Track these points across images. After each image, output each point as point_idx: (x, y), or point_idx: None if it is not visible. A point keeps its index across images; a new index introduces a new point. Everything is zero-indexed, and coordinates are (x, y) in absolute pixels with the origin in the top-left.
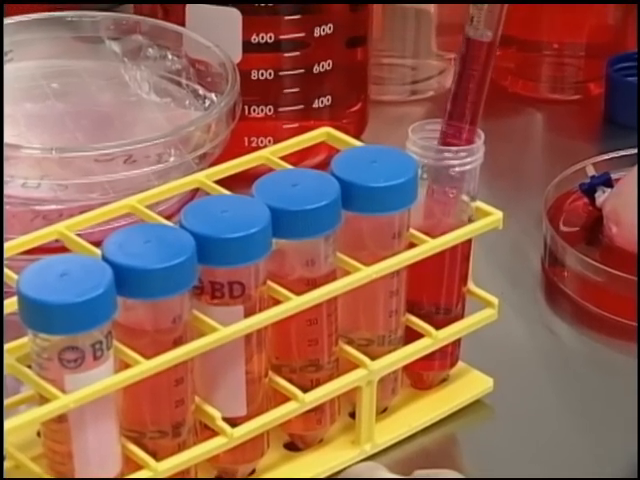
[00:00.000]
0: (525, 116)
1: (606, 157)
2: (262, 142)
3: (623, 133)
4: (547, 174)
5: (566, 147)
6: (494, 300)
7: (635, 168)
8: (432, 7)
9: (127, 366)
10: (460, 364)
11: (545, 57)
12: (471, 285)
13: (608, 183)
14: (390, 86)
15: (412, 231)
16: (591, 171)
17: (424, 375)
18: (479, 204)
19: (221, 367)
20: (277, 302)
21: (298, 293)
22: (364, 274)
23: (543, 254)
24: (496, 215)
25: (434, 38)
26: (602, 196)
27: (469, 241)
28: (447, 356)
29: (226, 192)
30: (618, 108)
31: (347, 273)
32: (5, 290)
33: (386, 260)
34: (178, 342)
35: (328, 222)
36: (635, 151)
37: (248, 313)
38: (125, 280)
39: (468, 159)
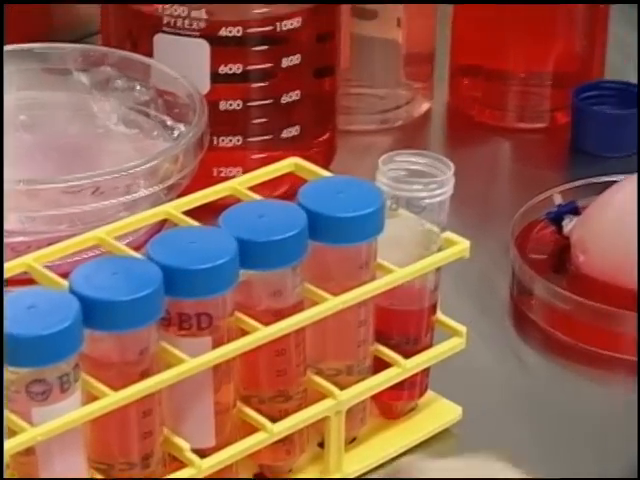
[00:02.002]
0: (492, 145)
1: (573, 185)
2: (231, 172)
3: (589, 161)
4: (515, 202)
5: (533, 176)
6: (462, 329)
7: (601, 196)
8: (400, 37)
9: (95, 398)
10: (429, 393)
11: (512, 86)
12: (439, 314)
13: (575, 211)
14: (359, 115)
15: (379, 261)
16: (558, 199)
17: (393, 405)
18: (447, 234)
19: (189, 398)
20: (245, 333)
21: (266, 324)
22: (331, 304)
23: (511, 282)
24: (463, 244)
25: (402, 68)
26: (569, 224)
27: (437, 270)
28: (416, 385)
29: (194, 223)
30: (584, 136)
31: (315, 303)
32: None
33: (353, 290)
34: (145, 374)
35: (295, 253)
36: (602, 179)
37: (216, 344)
38: (92, 312)
39: (438, 191)
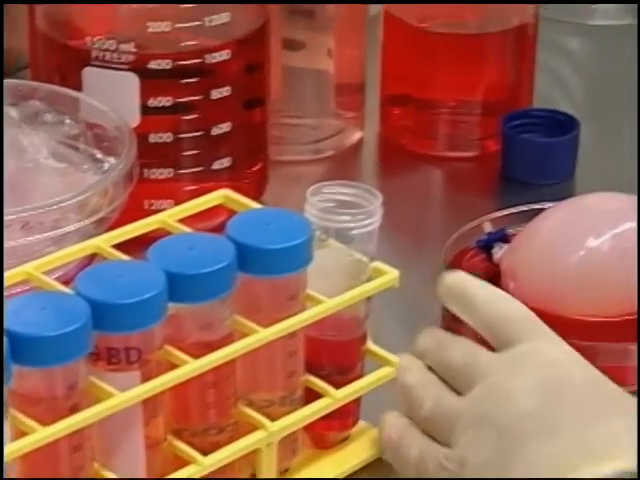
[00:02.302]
0: (424, 174)
1: (503, 213)
2: (162, 205)
3: (519, 189)
4: (446, 230)
5: (464, 204)
6: (393, 358)
7: (530, 224)
8: (331, 67)
9: (24, 434)
10: (361, 423)
11: (442, 115)
12: (370, 344)
13: (504, 239)
14: (290, 146)
15: (309, 292)
16: (488, 227)
17: (325, 435)
18: (376, 264)
19: (119, 433)
20: (175, 366)
21: (196, 357)
22: (261, 336)
23: (442, 310)
24: (392, 274)
25: (333, 98)
26: (499, 252)
27: (367, 300)
28: (348, 415)
29: (124, 257)
30: (514, 164)
31: (245, 335)
32: None
33: (283, 322)
34: (75, 409)
35: (223, 285)
36: (531, 207)
37: (145, 378)
38: (20, 348)
39: (366, 221)
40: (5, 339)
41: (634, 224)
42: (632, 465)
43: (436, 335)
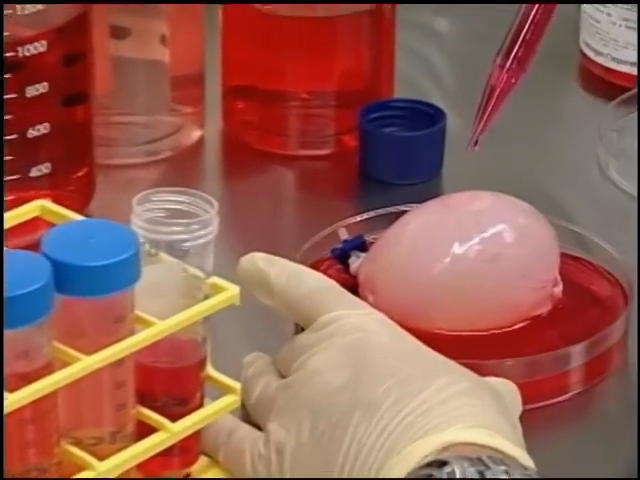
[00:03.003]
0: (272, 175)
1: (361, 218)
2: None
3: (380, 190)
4: (298, 238)
5: (318, 207)
6: (236, 386)
7: (390, 229)
8: (166, 57)
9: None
10: (202, 459)
11: (292, 109)
12: (211, 370)
13: (362, 247)
14: (121, 148)
15: (138, 313)
16: (344, 234)
17: (162, 474)
18: (214, 279)
19: None
20: None
21: (10, 390)
22: (84, 365)
23: (296, 327)
24: (232, 290)
25: (169, 92)
26: (356, 262)
27: (205, 321)
28: (187, 451)
29: None
30: (373, 162)
31: (66, 364)
32: None
33: (109, 347)
34: None
35: (39, 309)
36: (392, 210)
37: None
38: None
39: (201, 232)
40: None
41: (505, 226)
42: (451, 439)
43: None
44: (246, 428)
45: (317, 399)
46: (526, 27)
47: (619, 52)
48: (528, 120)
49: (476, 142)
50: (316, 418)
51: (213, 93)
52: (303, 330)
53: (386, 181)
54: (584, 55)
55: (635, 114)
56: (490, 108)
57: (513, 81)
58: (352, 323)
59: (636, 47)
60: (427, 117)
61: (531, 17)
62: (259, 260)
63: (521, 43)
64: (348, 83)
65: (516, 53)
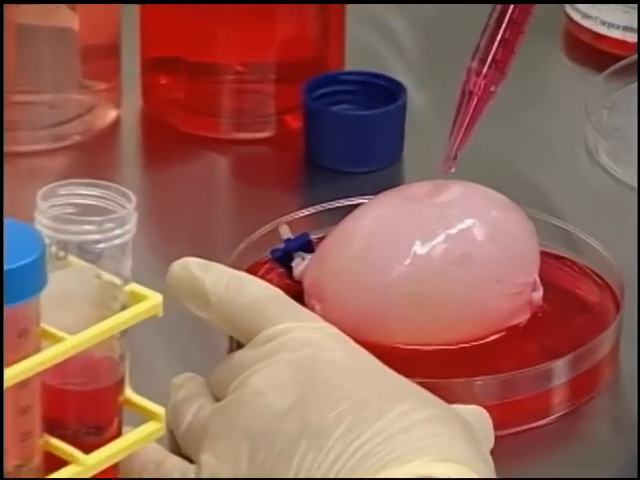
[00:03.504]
0: (202, 163)
1: (305, 212)
2: None
3: (328, 179)
4: (234, 237)
5: (257, 200)
6: (159, 411)
7: (340, 225)
8: (75, 24)
9: None
10: None
11: (224, 84)
12: (130, 392)
13: (307, 247)
14: (22, 132)
15: (44, 326)
16: (286, 232)
17: None
18: (134, 286)
19: None
20: None
21: None
22: None
23: (231, 340)
24: (154, 299)
25: (78, 65)
26: (300, 264)
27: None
28: None
29: None
30: (321, 147)
31: None
32: None
33: (11, 367)
34: None
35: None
36: (342, 203)
37: None
38: None
39: (116, 231)
40: None
41: (475, 220)
42: (416, 473)
43: None
44: (175, 460)
45: (257, 424)
46: (504, 25)
47: (610, 14)
48: (504, 95)
49: (455, 157)
50: (255, 446)
51: (131, 66)
52: (242, 346)
53: (336, 169)
54: (569, 18)
55: (629, 87)
56: (468, 119)
57: (492, 89)
58: (301, 337)
59: (629, 7)
60: (384, 93)
61: (509, 13)
62: (192, 265)
63: (499, 44)
64: (290, 53)
65: (494, 56)
